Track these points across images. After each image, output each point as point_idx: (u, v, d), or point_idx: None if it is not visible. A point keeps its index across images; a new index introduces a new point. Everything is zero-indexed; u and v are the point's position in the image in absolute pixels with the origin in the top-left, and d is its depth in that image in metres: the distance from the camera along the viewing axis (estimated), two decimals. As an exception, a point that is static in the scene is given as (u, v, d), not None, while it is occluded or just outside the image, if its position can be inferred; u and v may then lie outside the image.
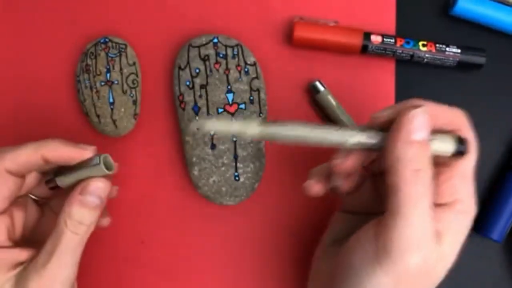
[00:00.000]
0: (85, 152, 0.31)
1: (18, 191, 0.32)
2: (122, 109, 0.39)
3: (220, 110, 0.39)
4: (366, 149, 0.30)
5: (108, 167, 0.32)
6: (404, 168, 0.28)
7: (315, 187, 0.34)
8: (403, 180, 0.28)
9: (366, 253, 0.29)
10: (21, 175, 0.32)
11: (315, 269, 0.36)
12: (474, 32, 0.43)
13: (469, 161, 0.31)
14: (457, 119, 0.31)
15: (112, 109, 0.39)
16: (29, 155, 0.31)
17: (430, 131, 0.29)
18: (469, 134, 0.31)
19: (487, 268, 0.41)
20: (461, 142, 0.30)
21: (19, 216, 0.33)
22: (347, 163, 0.32)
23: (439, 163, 0.31)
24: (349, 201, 0.36)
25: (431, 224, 0.28)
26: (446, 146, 0.30)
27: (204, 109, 0.39)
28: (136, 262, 0.40)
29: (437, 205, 0.30)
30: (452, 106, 0.31)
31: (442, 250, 0.29)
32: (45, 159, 0.31)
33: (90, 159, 0.31)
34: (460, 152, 0.30)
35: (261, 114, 0.39)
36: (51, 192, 0.35)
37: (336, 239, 0.35)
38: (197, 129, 0.30)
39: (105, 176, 0.32)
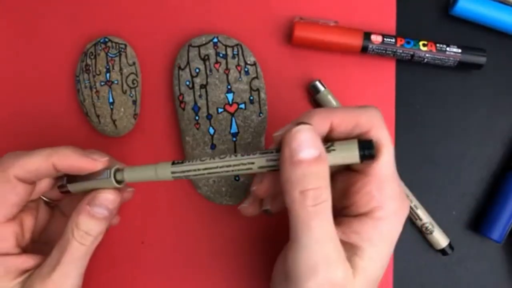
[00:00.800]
0: (96, 164, 0.31)
1: (28, 197, 0.32)
2: (122, 109, 0.39)
3: (220, 110, 0.39)
4: (276, 170, 0.29)
5: (119, 181, 0.31)
6: (293, 190, 0.26)
7: (249, 210, 0.34)
8: (293, 203, 0.26)
9: (280, 276, 0.29)
10: (31, 182, 0.32)
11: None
12: (474, 32, 0.43)
13: (384, 162, 0.28)
14: (366, 119, 0.28)
15: (112, 109, 0.39)
16: (40, 163, 0.30)
17: (320, 143, 0.27)
18: (381, 133, 0.28)
19: (487, 268, 0.41)
20: (366, 145, 0.27)
21: (29, 221, 0.33)
22: (263, 187, 0.31)
23: (356, 171, 0.29)
24: None
25: (332, 244, 0.27)
26: (350, 154, 0.28)
27: (204, 109, 0.39)
28: (136, 262, 0.40)
29: (357, 215, 0.29)
30: (364, 105, 0.30)
31: (360, 264, 0.28)
32: (55, 167, 0.31)
33: (101, 171, 0.31)
34: (368, 156, 0.28)
35: (261, 114, 0.39)
36: (63, 195, 0.35)
37: None
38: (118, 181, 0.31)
39: (117, 187, 0.31)
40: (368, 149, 0.27)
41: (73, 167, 0.31)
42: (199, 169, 0.29)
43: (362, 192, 0.29)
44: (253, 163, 0.29)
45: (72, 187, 0.32)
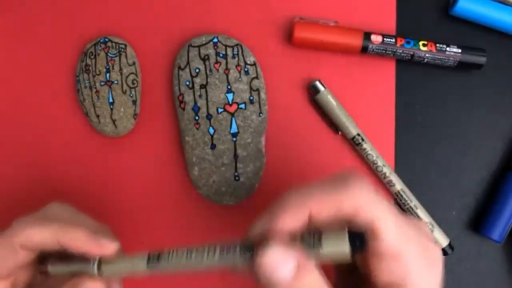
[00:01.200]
0: (104, 251, 0.30)
1: (27, 262, 0.31)
2: (122, 109, 0.39)
3: (220, 110, 0.39)
4: None
5: (102, 271, 0.30)
6: None
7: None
8: None
9: None
10: (34, 251, 0.31)
11: None
12: (474, 32, 0.43)
13: (389, 241, 0.25)
14: (349, 203, 0.25)
15: (111, 109, 0.39)
16: (47, 237, 0.29)
17: (294, 255, 0.24)
18: (374, 211, 0.25)
19: (487, 268, 0.41)
20: (354, 237, 0.24)
21: (22, 276, 0.32)
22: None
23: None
24: None
25: None
26: (339, 248, 0.24)
27: (204, 109, 0.39)
28: (136, 262, 0.40)
29: (386, 285, 0.26)
30: (346, 176, 0.26)
31: None
32: (61, 244, 0.30)
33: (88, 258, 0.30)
34: (360, 247, 0.24)
35: (261, 114, 0.39)
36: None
37: None
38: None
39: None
40: (360, 241, 0.24)
41: (80, 249, 0.30)
42: (177, 267, 0.28)
43: (379, 268, 0.25)
44: (234, 263, 0.27)
45: (53, 269, 0.31)
